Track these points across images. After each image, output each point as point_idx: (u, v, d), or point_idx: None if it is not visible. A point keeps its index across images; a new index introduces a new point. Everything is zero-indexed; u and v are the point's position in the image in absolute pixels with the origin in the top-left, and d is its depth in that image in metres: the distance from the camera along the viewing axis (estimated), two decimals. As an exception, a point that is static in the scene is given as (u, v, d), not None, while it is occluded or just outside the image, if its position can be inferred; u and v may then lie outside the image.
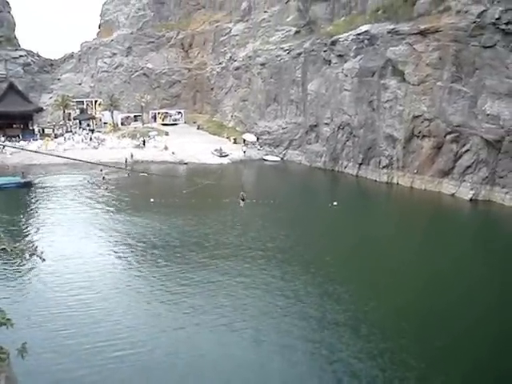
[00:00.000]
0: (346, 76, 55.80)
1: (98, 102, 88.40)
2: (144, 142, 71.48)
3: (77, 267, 27.83)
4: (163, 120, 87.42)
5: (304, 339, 20.32)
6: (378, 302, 23.61)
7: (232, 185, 52.08)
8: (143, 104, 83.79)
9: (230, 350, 19.62)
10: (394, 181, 51.19)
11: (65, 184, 50.56)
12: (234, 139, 73.89)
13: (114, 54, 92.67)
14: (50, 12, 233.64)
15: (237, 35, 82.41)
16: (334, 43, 58.17)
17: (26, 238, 31.98)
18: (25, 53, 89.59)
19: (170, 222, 36.71)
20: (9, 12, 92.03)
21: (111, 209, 41.09)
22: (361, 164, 55.17)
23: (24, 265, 27.03)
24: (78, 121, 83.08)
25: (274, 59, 69.07)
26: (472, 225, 39.15)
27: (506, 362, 18.61)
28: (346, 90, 55.94)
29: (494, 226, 38.36)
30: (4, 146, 62.46)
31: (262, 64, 71.51)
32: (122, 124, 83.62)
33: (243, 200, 41.16)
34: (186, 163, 63.18)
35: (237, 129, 78.40)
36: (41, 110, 78.92)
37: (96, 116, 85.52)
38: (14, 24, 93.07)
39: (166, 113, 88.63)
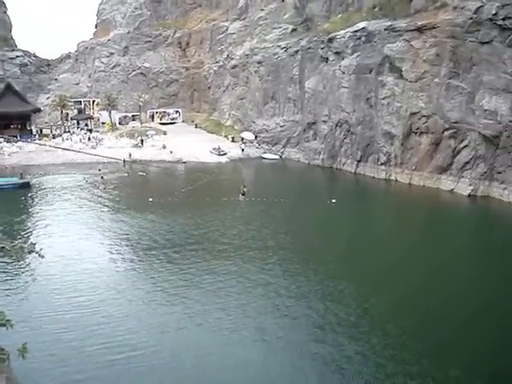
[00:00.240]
0: (344, 73, 55.79)
1: (95, 102, 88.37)
2: (142, 141, 71.47)
3: (76, 267, 27.81)
4: (161, 119, 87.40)
5: (305, 336, 20.35)
6: (378, 298, 23.64)
7: (230, 183, 52.15)
8: (141, 103, 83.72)
9: (231, 349, 19.60)
10: (393, 177, 51.23)
11: (63, 184, 50.49)
12: (232, 137, 73.87)
13: (111, 53, 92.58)
14: (47, 12, 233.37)
15: (234, 33, 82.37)
16: (331, 40, 58.14)
17: (26, 237, 31.97)
18: (22, 53, 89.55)
19: (169, 222, 36.70)
20: (5, 12, 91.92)
21: (110, 209, 41.08)
22: (359, 161, 55.20)
23: (23, 265, 27.06)
24: (75, 121, 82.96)
25: (271, 57, 69.02)
26: (471, 220, 39.20)
27: (505, 356, 18.67)
28: (343, 87, 55.94)
29: (492, 222, 38.44)
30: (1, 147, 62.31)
31: (259, 62, 71.45)
32: (119, 123, 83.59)
33: (243, 195, 42.02)
34: (184, 162, 63.17)
35: (235, 127, 78.39)
36: (38, 110, 78.81)
37: (94, 116, 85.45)
38: (11, 24, 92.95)
39: (164, 112, 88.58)
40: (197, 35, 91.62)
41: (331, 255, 30.20)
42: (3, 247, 10.99)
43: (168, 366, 18.46)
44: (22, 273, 26.72)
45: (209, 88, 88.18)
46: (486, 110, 42.61)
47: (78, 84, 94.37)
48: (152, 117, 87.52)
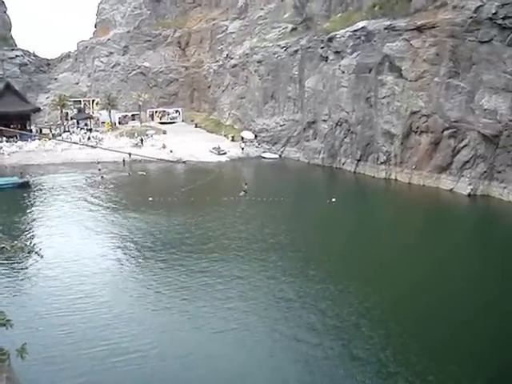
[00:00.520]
0: (343, 72, 55.78)
1: (95, 102, 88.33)
2: (142, 140, 71.44)
3: (77, 267, 27.84)
4: (161, 119, 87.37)
5: (306, 335, 20.39)
6: (379, 296, 23.68)
7: (230, 182, 52.22)
8: (141, 103, 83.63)
9: (231, 350, 19.65)
10: (392, 177, 51.22)
11: (63, 184, 50.50)
12: (232, 137, 73.84)
13: (111, 52, 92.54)
14: (46, 11, 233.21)
15: (233, 33, 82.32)
16: (330, 40, 58.11)
17: (25, 237, 32.00)
18: (21, 53, 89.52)
19: (169, 221, 36.73)
20: (5, 12, 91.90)
21: (110, 208, 41.09)
22: (359, 160, 55.19)
23: (23, 265, 27.07)
24: (75, 120, 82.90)
25: (271, 56, 68.98)
26: (470, 219, 39.24)
27: (505, 355, 18.70)
28: (343, 86, 55.92)
29: (492, 221, 38.48)
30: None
31: (259, 61, 71.41)
32: (119, 123, 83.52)
33: (245, 192, 43.09)
34: (184, 161, 63.09)
35: (234, 126, 78.36)
36: (38, 109, 78.79)
37: (93, 115, 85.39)
38: (10, 24, 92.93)
39: (164, 111, 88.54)
40: (196, 35, 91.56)
41: (331, 254, 30.24)
42: (3, 247, 11.02)
43: (168, 367, 18.46)
44: (22, 273, 26.72)
45: (208, 87, 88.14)
46: (485, 110, 42.60)
47: (77, 83, 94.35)
48: (152, 116, 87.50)
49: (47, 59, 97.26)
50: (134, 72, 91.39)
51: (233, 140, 72.99)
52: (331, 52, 58.33)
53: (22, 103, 74.30)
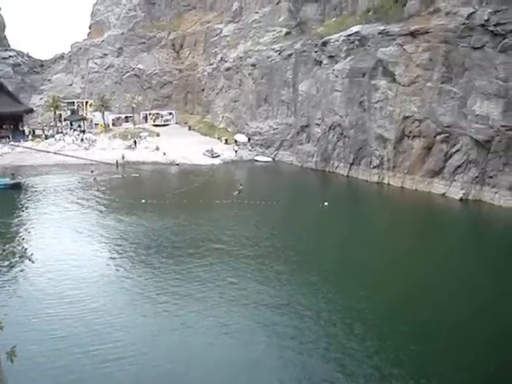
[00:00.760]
0: (337, 77, 55.98)
1: (88, 103, 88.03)
2: (135, 142, 71.30)
3: (68, 270, 27.75)
4: (154, 121, 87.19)
5: (299, 339, 20.42)
6: (371, 300, 23.75)
7: (223, 185, 52.23)
8: (134, 105, 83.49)
9: (224, 351, 19.65)
10: (385, 181, 51.41)
11: (55, 185, 50.30)
12: (226, 140, 73.87)
13: (105, 54, 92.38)
14: (40, 12, 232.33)
15: (228, 36, 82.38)
16: (324, 44, 58.34)
17: (16, 240, 31.81)
18: (15, 53, 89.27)
19: (162, 223, 36.68)
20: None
21: (102, 210, 40.97)
22: (352, 164, 55.35)
23: (15, 267, 26.93)
24: (68, 122, 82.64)
25: (265, 60, 69.13)
26: (462, 224, 39.44)
27: (499, 358, 18.81)
28: (336, 90, 56.12)
29: (484, 226, 38.72)
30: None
31: (253, 65, 71.54)
32: (113, 125, 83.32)
33: (239, 192, 44.21)
34: (177, 164, 63.14)
35: (228, 129, 78.37)
36: (31, 110, 78.50)
37: (87, 117, 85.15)
38: (4, 24, 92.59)
39: (158, 114, 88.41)
40: (191, 37, 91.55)
41: (324, 258, 30.29)
42: (-5, 251, 10.96)
43: (163, 369, 18.42)
44: (13, 275, 26.60)
45: (202, 90, 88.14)
46: (477, 115, 42.91)
47: (71, 85, 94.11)
48: (145, 118, 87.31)
49: (41, 60, 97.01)
50: (128, 74, 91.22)
51: (226, 143, 73.00)
52: (325, 56, 58.54)
53: (15, 104, 74.02)
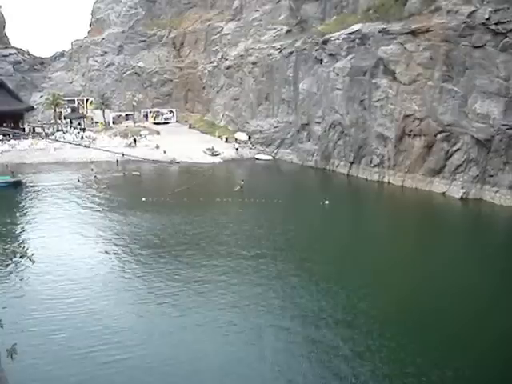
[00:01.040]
0: (338, 75, 55.90)
1: (89, 101, 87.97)
2: (135, 140, 71.23)
3: (68, 268, 27.75)
4: (155, 119, 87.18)
5: (302, 337, 20.47)
6: (373, 299, 23.77)
7: (224, 183, 52.20)
8: (135, 103, 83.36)
9: (225, 351, 19.64)
10: (386, 180, 51.37)
11: (56, 183, 50.23)
12: (226, 138, 73.80)
13: (106, 52, 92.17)
14: (41, 10, 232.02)
15: (228, 34, 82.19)
16: (325, 42, 58.25)
17: (17, 240, 31.83)
18: (15, 51, 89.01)
19: (162, 221, 36.68)
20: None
21: (102, 208, 40.95)
22: (352, 163, 55.31)
23: (15, 266, 26.90)
24: (69, 120, 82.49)
25: (266, 58, 69.03)
26: (463, 223, 39.46)
27: (498, 358, 18.82)
28: (337, 89, 56.05)
29: (484, 224, 38.75)
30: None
31: (254, 63, 71.44)
32: (113, 123, 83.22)
33: (241, 187, 45.11)
34: (177, 162, 62.98)
35: (228, 128, 78.29)
36: (31, 108, 78.39)
37: (87, 115, 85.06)
38: (4, 22, 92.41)
39: (158, 112, 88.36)
40: (191, 35, 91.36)
41: (325, 257, 30.29)
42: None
43: (162, 369, 18.43)
44: (13, 274, 26.58)
45: (203, 88, 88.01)
46: (478, 114, 42.88)
47: (71, 82, 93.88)
48: (146, 116, 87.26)
49: (41, 58, 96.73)
50: (129, 72, 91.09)
51: (227, 141, 72.92)
52: (326, 54, 58.46)
53: (15, 102, 73.87)
